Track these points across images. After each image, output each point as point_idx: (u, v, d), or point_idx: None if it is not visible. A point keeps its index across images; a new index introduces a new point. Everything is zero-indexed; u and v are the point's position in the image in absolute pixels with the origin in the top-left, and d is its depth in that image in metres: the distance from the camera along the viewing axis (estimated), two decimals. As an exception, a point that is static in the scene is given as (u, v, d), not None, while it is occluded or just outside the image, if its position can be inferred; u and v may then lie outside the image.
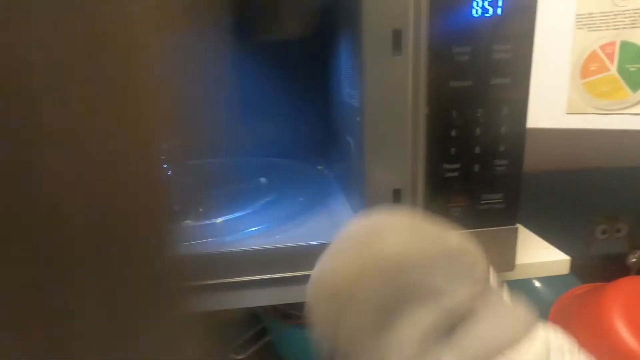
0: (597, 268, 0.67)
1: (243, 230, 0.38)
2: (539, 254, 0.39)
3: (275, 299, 0.35)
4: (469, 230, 0.33)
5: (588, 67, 0.46)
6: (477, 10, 0.29)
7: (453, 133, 0.31)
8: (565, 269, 0.38)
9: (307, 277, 0.23)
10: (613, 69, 0.45)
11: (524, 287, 0.47)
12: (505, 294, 0.22)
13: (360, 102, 0.34)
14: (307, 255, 0.25)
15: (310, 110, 0.58)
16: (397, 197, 0.34)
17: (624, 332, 0.38)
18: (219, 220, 0.43)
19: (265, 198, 0.46)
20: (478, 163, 0.32)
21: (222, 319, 0.34)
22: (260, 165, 0.58)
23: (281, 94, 0.60)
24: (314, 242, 0.34)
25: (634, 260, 0.64)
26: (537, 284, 0.54)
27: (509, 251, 0.35)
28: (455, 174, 0.32)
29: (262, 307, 0.53)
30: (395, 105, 0.32)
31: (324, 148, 0.58)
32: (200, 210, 0.48)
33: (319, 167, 0.57)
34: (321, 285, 0.22)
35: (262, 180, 0.53)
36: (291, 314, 0.51)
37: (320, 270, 0.22)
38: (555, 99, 0.47)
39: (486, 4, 0.29)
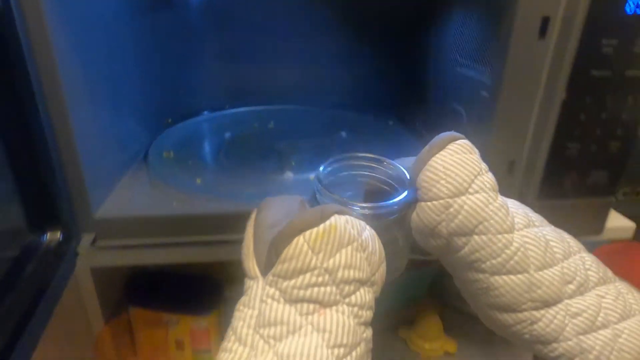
0: None
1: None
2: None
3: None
4: (573, 199, 0.38)
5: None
6: (630, 7, 0.31)
7: (582, 117, 0.35)
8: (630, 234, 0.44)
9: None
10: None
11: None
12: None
13: (492, 79, 0.36)
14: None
15: (388, 69, 0.60)
16: (511, 168, 0.38)
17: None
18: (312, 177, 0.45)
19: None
20: (595, 144, 0.36)
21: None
22: (338, 117, 0.60)
23: (363, 49, 0.61)
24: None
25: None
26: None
27: (601, 218, 0.40)
28: (575, 152, 0.36)
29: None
30: (529, 85, 0.35)
31: (397, 106, 0.60)
32: (293, 163, 0.50)
33: (390, 123, 0.59)
34: None
35: (343, 134, 0.55)
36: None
37: None
38: None
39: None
